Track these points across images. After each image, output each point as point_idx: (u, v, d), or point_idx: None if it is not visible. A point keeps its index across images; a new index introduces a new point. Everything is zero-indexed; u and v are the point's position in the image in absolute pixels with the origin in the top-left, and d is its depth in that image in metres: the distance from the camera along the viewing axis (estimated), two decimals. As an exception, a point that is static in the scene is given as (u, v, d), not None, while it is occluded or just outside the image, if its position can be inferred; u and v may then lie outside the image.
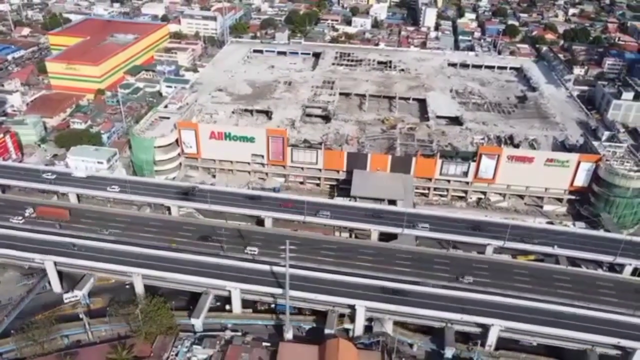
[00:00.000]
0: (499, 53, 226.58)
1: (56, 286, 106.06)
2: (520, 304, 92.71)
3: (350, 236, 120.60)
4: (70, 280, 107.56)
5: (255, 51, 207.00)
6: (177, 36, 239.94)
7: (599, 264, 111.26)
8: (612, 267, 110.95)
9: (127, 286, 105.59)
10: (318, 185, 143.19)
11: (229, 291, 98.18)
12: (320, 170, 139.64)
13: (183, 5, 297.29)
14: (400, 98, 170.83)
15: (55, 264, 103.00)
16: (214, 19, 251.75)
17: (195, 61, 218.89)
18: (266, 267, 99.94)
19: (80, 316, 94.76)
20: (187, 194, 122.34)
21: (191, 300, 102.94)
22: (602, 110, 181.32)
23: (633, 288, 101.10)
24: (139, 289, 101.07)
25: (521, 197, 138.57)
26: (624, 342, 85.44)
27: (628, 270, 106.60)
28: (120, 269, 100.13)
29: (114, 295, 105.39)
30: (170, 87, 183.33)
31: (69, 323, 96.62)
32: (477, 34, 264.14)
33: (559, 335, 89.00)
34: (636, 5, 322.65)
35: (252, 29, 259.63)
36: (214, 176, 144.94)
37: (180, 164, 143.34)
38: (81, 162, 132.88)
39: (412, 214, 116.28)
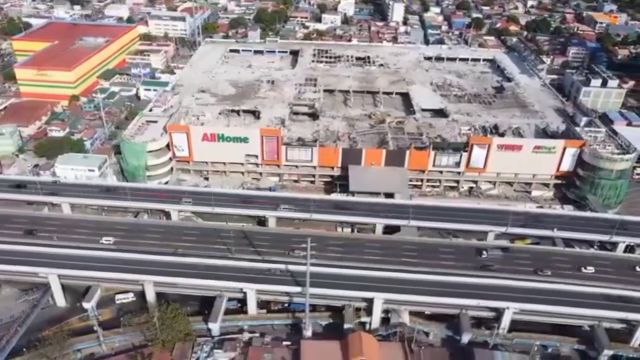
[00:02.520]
0: (469, 46, 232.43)
1: (60, 300, 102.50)
2: (531, 286, 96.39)
3: (353, 231, 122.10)
4: (72, 293, 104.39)
5: (231, 51, 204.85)
6: (147, 38, 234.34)
7: (590, 243, 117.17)
8: (602, 246, 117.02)
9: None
10: (312, 182, 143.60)
11: (244, 293, 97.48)
12: (315, 167, 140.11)
13: (147, 6, 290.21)
14: (384, 93, 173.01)
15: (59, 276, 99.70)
16: (183, 19, 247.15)
17: (169, 63, 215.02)
18: (281, 267, 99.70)
19: (95, 328, 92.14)
20: (19, 186, 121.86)
21: (202, 305, 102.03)
22: (572, 97, 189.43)
23: (627, 264, 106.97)
24: (151, 296, 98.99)
25: (510, 184, 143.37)
26: (632, 316, 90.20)
27: (621, 247, 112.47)
28: (131, 278, 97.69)
29: (122, 306, 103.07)
30: (148, 90, 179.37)
31: (81, 336, 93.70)
32: (444, 28, 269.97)
33: (570, 313, 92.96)
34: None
35: (221, 28, 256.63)
36: (206, 178, 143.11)
37: (172, 168, 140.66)
38: (70, 170, 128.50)
39: (417, 206, 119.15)
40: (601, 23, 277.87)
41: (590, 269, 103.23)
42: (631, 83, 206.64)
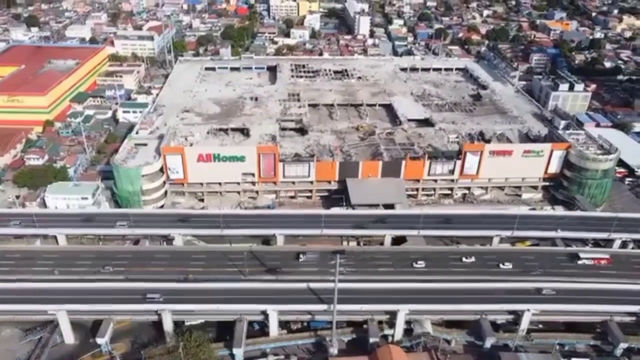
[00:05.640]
0: (438, 56, 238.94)
1: (69, 337, 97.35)
2: (547, 287, 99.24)
3: (358, 244, 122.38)
4: (79, 329, 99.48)
5: (207, 69, 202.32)
6: (115, 58, 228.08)
7: (584, 241, 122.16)
8: (596, 243, 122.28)
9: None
10: (309, 197, 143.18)
11: (266, 315, 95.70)
12: (312, 182, 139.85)
13: (109, 26, 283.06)
14: (367, 105, 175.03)
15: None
16: (151, 38, 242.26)
17: (141, 83, 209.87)
18: (301, 286, 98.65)
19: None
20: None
21: (219, 330, 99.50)
22: (542, 102, 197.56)
23: (625, 259, 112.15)
24: (168, 325, 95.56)
25: (501, 188, 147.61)
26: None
27: (617, 244, 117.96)
28: (148, 308, 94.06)
29: (135, 338, 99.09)
30: (127, 112, 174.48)
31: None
32: (410, 39, 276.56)
33: (586, 311, 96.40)
34: (539, 5, 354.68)
35: (190, 46, 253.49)
36: (201, 200, 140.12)
37: (166, 191, 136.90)
38: (63, 200, 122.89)
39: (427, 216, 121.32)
40: (555, 30, 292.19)
41: (421, 264, 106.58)
42: (593, 86, 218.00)
